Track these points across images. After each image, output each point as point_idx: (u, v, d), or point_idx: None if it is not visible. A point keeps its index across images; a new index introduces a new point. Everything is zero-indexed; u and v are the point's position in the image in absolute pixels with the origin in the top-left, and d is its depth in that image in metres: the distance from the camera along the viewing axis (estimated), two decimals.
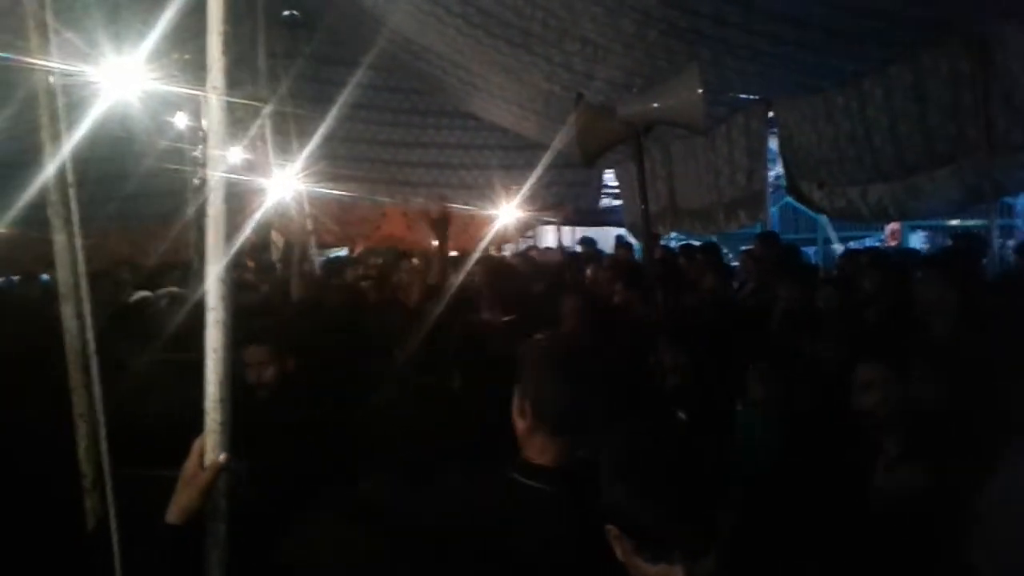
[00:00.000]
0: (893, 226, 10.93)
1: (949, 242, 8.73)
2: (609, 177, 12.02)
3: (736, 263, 8.08)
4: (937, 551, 2.15)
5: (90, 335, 2.08)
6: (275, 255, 9.39)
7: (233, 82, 1.70)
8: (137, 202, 8.32)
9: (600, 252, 10.20)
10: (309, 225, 9.17)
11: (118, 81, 4.00)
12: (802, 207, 9.14)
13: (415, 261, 8.34)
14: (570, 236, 16.67)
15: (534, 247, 12.98)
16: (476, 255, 7.87)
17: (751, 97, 7.06)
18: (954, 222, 9.96)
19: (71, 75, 2.72)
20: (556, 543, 1.83)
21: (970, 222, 9.64)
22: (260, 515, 1.80)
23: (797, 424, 3.33)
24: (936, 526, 2.29)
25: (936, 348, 3.39)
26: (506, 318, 4.64)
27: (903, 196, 5.73)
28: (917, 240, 11.86)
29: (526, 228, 12.12)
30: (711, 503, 1.53)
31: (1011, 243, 8.89)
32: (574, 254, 10.09)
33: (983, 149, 4.65)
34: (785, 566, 2.22)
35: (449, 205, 9.44)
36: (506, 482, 1.97)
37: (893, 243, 10.82)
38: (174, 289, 6.06)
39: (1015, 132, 4.41)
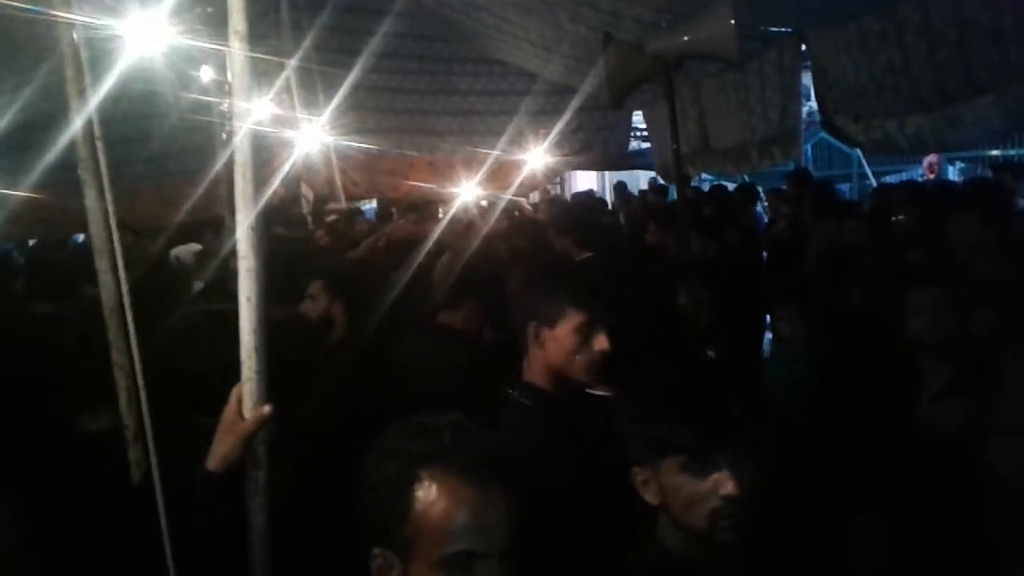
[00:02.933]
0: (931, 158, 10.66)
1: (988, 173, 8.51)
2: (638, 120, 11.84)
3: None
4: (986, 477, 2.14)
5: (125, 288, 2.10)
6: (305, 208, 9.42)
7: (256, 36, 1.68)
8: (165, 160, 8.34)
9: (631, 195, 10.11)
10: (337, 178, 9.18)
11: (142, 35, 3.98)
12: (836, 142, 8.96)
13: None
14: (597, 179, 16.61)
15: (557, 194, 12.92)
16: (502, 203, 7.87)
17: (783, 30, 6.87)
18: (994, 152, 9.70)
19: (94, 29, 2.70)
20: (542, 458, 1.92)
21: (1011, 151, 9.39)
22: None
23: (829, 362, 3.31)
24: (985, 452, 2.28)
25: (980, 282, 3.33)
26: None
27: (942, 126, 5.57)
28: (955, 173, 11.58)
29: (555, 174, 12.02)
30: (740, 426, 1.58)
31: None
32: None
33: None
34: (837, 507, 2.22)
35: (476, 149, 9.43)
36: (504, 400, 2.14)
37: (931, 176, 10.57)
38: (196, 246, 6.13)
39: None
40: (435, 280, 3.65)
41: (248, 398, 1.71)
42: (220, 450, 1.71)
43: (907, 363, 2.80)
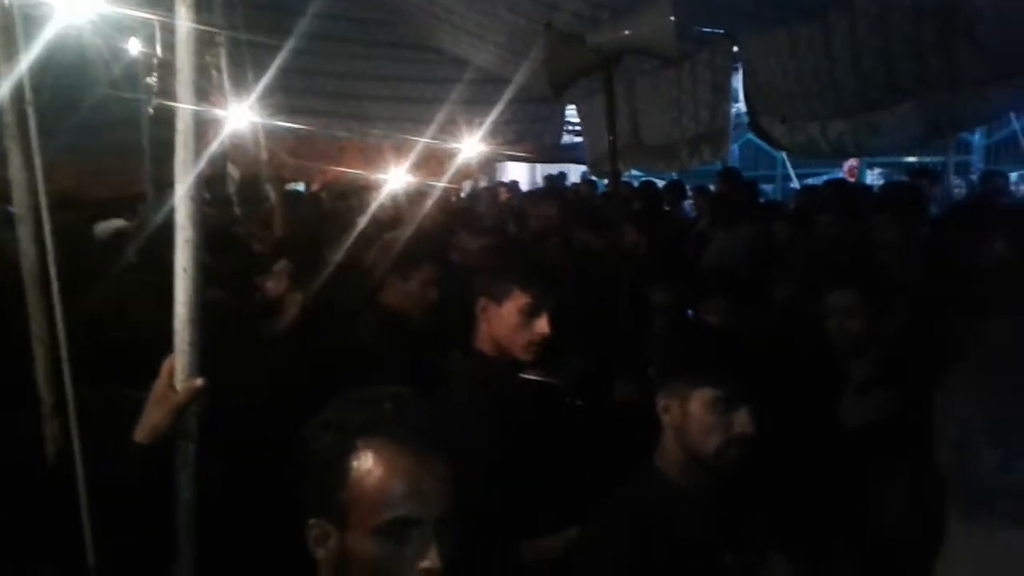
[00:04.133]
0: (851, 163, 11.04)
1: (905, 178, 8.86)
2: (571, 113, 11.92)
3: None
4: (909, 463, 2.24)
5: (51, 259, 2.04)
6: (231, 188, 9.21)
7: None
8: (87, 133, 8.05)
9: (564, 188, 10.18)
10: (265, 159, 9.00)
11: (72, 2, 3.83)
12: (763, 144, 9.19)
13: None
14: (527, 172, 16.68)
15: (500, 184, 12.93)
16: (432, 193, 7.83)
17: (716, 31, 7.01)
18: (911, 159, 10.10)
19: None
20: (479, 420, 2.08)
21: (927, 158, 9.79)
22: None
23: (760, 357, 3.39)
24: (906, 442, 2.38)
25: (897, 281, 3.47)
26: None
27: (863, 131, 5.78)
28: (873, 177, 12.01)
29: (489, 164, 12.02)
30: None
31: (971, 178, 9.06)
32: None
33: (944, 84, 4.68)
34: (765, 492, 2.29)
35: (407, 137, 9.34)
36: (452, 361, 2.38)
37: (851, 179, 10.93)
38: (119, 222, 5.95)
39: (976, 67, 4.44)
40: (375, 261, 3.65)
41: (180, 370, 1.68)
42: (150, 421, 1.68)
43: (828, 359, 2.90)
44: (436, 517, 1.29)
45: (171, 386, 1.68)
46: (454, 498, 1.31)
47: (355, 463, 1.30)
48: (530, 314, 2.20)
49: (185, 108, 1.59)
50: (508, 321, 2.21)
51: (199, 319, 1.68)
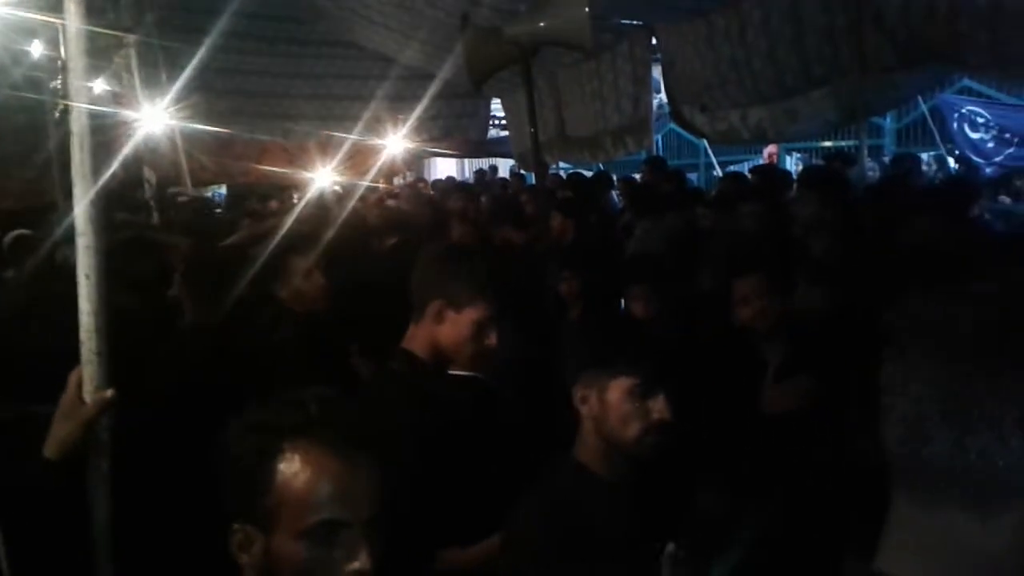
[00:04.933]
0: (770, 149, 11.28)
1: (822, 163, 9.08)
2: (496, 108, 11.92)
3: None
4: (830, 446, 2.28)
5: None
6: (148, 192, 8.95)
7: (93, 8, 1.59)
8: None
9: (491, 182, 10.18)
10: (183, 161, 8.77)
11: None
12: (685, 133, 9.32)
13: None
14: (456, 167, 16.64)
15: (421, 180, 12.84)
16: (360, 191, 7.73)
17: (635, 23, 7.08)
18: (827, 143, 10.36)
19: None
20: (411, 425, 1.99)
21: (841, 143, 10.05)
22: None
23: (681, 343, 3.42)
24: (823, 424, 2.42)
25: (814, 262, 3.53)
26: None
27: (781, 118, 5.91)
28: (792, 163, 12.29)
29: (414, 160, 11.94)
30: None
31: (883, 160, 9.33)
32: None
33: (855, 70, 4.81)
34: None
35: (332, 134, 9.19)
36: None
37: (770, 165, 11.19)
38: (24, 231, 5.72)
39: (886, 53, 4.58)
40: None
41: (88, 381, 1.61)
42: (59, 436, 1.60)
43: (745, 345, 2.94)
44: (365, 519, 1.26)
45: (80, 398, 1.61)
46: (381, 500, 1.29)
47: (281, 466, 1.26)
48: (485, 326, 2.11)
49: (78, 109, 1.52)
50: (462, 330, 2.10)
51: (106, 328, 1.61)
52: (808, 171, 6.34)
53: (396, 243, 4.59)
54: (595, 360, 1.84)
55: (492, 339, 2.12)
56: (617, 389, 1.78)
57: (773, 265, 2.94)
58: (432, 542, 1.96)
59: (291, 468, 1.26)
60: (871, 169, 7.33)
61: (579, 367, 1.86)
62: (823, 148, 10.71)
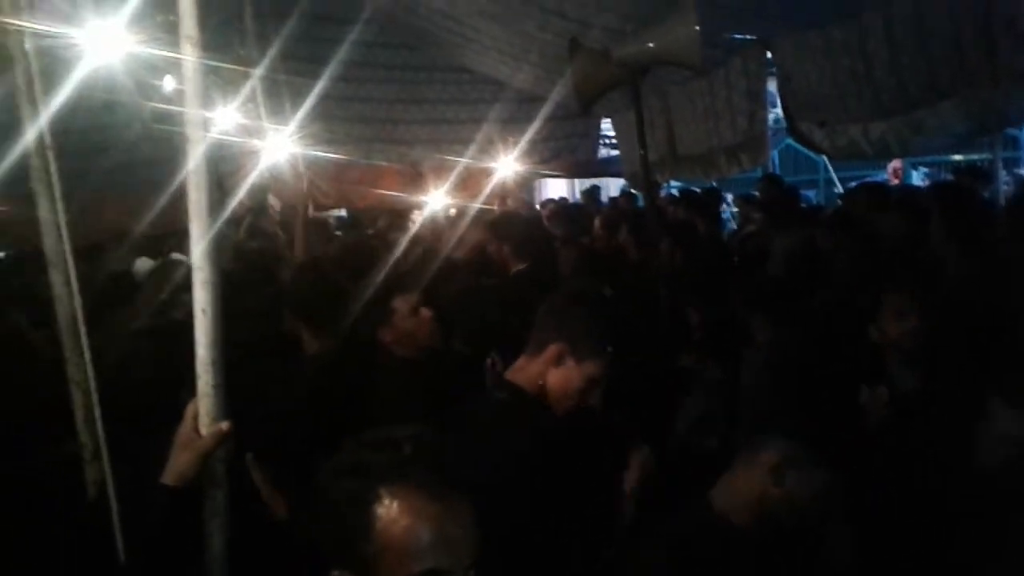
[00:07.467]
0: (895, 164, 10.78)
1: (951, 178, 8.63)
2: (607, 127, 11.87)
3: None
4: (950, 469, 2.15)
5: (78, 303, 2.05)
6: (273, 219, 9.32)
7: (219, 45, 1.66)
8: (129, 170, 8.18)
9: (600, 203, 10.13)
10: (305, 187, 9.07)
11: (99, 43, 3.88)
12: (803, 148, 9.04)
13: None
14: (567, 187, 16.64)
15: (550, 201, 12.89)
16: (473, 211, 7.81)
17: (748, 38, 6.91)
18: (957, 157, 9.83)
19: (48, 37, 2.64)
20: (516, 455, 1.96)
21: (973, 156, 9.52)
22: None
23: (805, 366, 3.30)
24: (948, 447, 2.29)
25: (951, 285, 3.36)
26: (516, 268, 4.61)
27: (906, 131, 5.63)
28: (919, 177, 11.73)
29: (526, 182, 12.00)
30: None
31: (1019, 173, 8.81)
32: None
33: (986, 79, 4.54)
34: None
35: (445, 158, 9.34)
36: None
37: (895, 181, 10.69)
38: (178, 256, 6.01)
39: (1020, 59, 4.30)
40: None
41: (205, 414, 1.65)
42: (176, 466, 1.65)
43: (877, 367, 2.81)
44: (465, 565, 1.24)
45: (196, 430, 1.66)
46: (481, 544, 1.26)
47: (380, 512, 1.23)
48: (596, 383, 2.09)
49: (195, 148, 1.57)
50: (575, 381, 2.07)
51: (221, 361, 1.65)
52: (936, 188, 6.03)
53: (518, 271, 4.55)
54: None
55: (596, 396, 2.10)
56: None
57: (928, 284, 2.82)
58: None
59: (389, 514, 1.24)
60: (1006, 183, 6.91)
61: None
62: (953, 162, 10.18)
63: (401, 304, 3.05)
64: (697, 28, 3.17)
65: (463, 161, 9.65)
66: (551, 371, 2.09)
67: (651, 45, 3.39)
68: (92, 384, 2.00)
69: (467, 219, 7.16)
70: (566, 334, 2.10)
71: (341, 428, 1.50)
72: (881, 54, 5.28)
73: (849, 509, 2.38)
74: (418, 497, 1.24)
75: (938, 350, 2.71)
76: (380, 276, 3.46)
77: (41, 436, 2.28)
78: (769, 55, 6.78)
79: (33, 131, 2.16)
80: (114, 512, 1.93)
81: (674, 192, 9.82)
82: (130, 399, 1.98)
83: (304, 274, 3.70)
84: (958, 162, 9.83)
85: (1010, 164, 9.26)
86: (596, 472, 2.19)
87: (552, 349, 2.09)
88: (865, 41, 5.40)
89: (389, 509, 1.23)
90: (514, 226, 5.04)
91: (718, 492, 1.83)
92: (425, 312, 3.05)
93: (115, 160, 7.06)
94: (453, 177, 9.36)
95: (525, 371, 2.13)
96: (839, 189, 10.90)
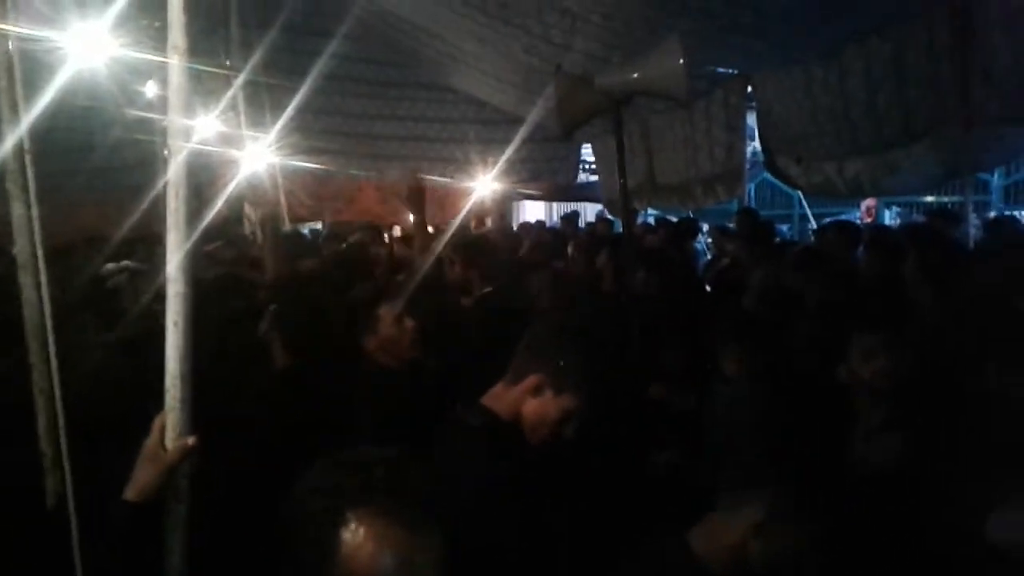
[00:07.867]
0: (868, 202, 10.94)
1: (922, 218, 8.76)
2: (587, 153, 11.94)
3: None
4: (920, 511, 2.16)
5: (47, 308, 2.01)
6: (248, 228, 9.25)
7: (204, 51, 1.65)
8: (106, 174, 8.12)
9: (578, 228, 10.18)
10: (282, 199, 9.02)
11: (82, 47, 3.84)
12: (778, 183, 9.15)
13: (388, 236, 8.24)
14: (545, 210, 16.68)
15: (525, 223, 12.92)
16: (451, 230, 7.79)
17: (730, 72, 7.00)
18: (929, 198, 10.01)
19: (31, 40, 2.61)
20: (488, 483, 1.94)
21: (945, 198, 9.69)
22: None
23: (775, 398, 3.32)
24: (919, 488, 2.30)
25: (918, 322, 3.40)
26: (483, 291, 4.62)
27: (880, 171, 5.72)
28: (891, 217, 11.91)
29: (504, 203, 12.02)
30: None
31: (987, 217, 8.97)
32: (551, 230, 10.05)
33: (960, 123, 4.63)
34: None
35: (424, 177, 9.33)
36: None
37: (868, 220, 10.83)
38: (130, 263, 5.94)
39: (992, 106, 4.40)
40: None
41: (171, 428, 1.63)
42: (139, 480, 1.63)
43: (843, 401, 2.84)
44: None
45: (162, 444, 1.64)
46: (450, 568, 1.25)
47: (345, 536, 1.23)
48: (572, 417, 2.08)
49: (178, 158, 1.56)
50: (551, 413, 2.06)
51: (191, 375, 1.63)
52: (910, 228, 6.11)
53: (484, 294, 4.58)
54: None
55: (568, 430, 2.09)
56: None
57: (899, 322, 2.85)
58: None
59: (355, 539, 1.23)
60: (975, 227, 7.03)
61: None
62: (925, 203, 10.35)
63: (386, 313, 3.05)
64: (682, 61, 3.20)
65: (443, 180, 9.66)
66: (528, 401, 2.07)
67: (636, 76, 3.42)
68: (57, 392, 1.96)
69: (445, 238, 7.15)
70: (546, 365, 2.09)
71: (314, 441, 1.48)
72: (859, 94, 5.37)
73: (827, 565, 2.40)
74: (383, 522, 1.23)
75: (908, 391, 2.73)
76: (362, 291, 3.45)
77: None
78: (750, 89, 6.88)
79: (13, 136, 2.13)
80: (72, 524, 1.89)
81: (650, 221, 9.88)
82: (98, 409, 1.95)
83: (279, 291, 3.67)
84: (930, 203, 10.02)
85: (980, 207, 9.45)
86: (566, 503, 2.17)
87: (531, 379, 2.08)
88: (844, 80, 5.49)
89: (355, 534, 1.22)
90: (481, 249, 5.05)
91: (698, 534, 1.82)
92: (409, 322, 3.04)
93: (95, 162, 7.01)
94: (432, 194, 9.34)
95: (502, 399, 2.12)
96: (813, 225, 11.04)
